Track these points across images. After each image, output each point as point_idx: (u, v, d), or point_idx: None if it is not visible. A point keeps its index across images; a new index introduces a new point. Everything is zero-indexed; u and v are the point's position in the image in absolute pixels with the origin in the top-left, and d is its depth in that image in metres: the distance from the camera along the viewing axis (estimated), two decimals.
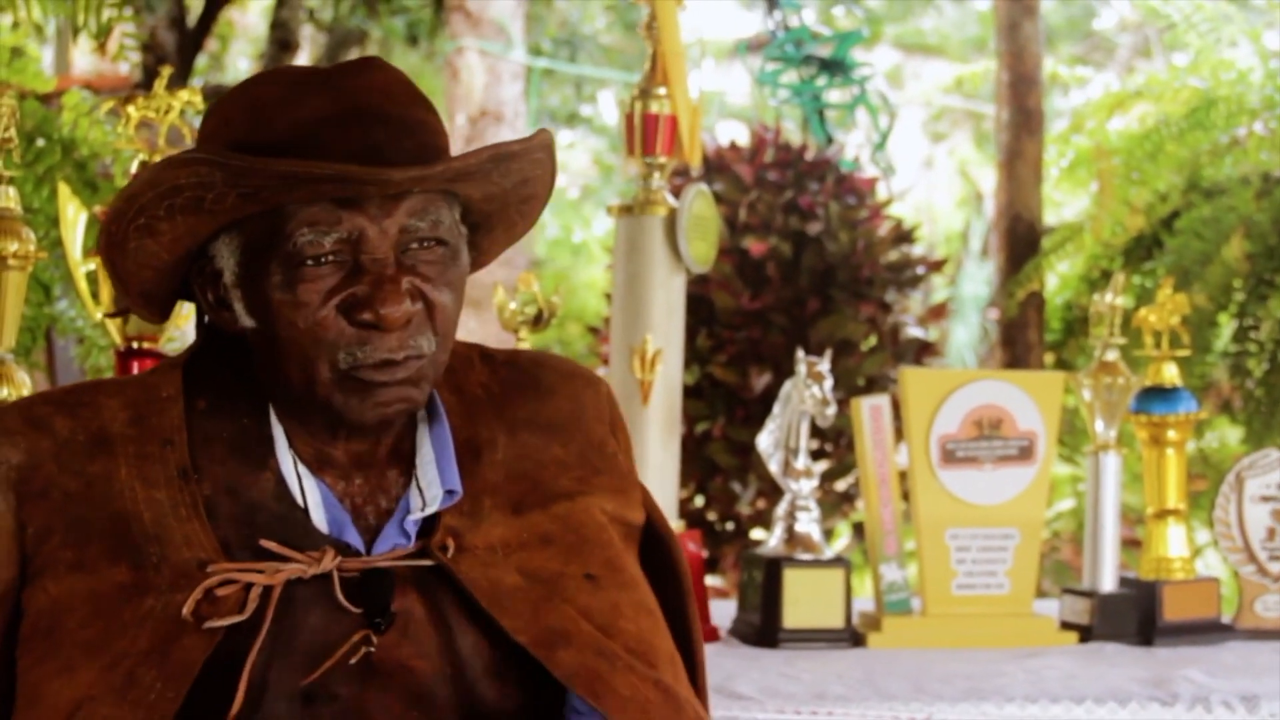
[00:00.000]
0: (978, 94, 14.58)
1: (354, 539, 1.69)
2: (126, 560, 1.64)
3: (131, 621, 1.62)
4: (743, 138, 6.42)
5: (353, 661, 1.63)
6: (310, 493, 1.69)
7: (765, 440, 3.49)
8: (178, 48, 11.79)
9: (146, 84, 9.05)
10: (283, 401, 1.71)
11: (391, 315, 1.62)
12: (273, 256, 1.63)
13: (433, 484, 1.72)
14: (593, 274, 12.85)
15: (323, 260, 1.62)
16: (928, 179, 16.64)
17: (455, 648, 1.67)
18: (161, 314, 1.79)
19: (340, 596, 1.65)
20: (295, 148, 1.60)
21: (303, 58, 13.29)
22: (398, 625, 1.65)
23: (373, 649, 1.64)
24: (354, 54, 13.20)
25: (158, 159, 3.12)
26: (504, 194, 1.74)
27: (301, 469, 1.70)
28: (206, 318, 1.77)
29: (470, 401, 1.79)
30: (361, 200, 1.62)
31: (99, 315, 3.18)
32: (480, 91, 8.67)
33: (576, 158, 17.75)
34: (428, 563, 1.68)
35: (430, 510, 1.70)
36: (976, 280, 11.84)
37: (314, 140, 1.61)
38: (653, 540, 1.89)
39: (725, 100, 15.65)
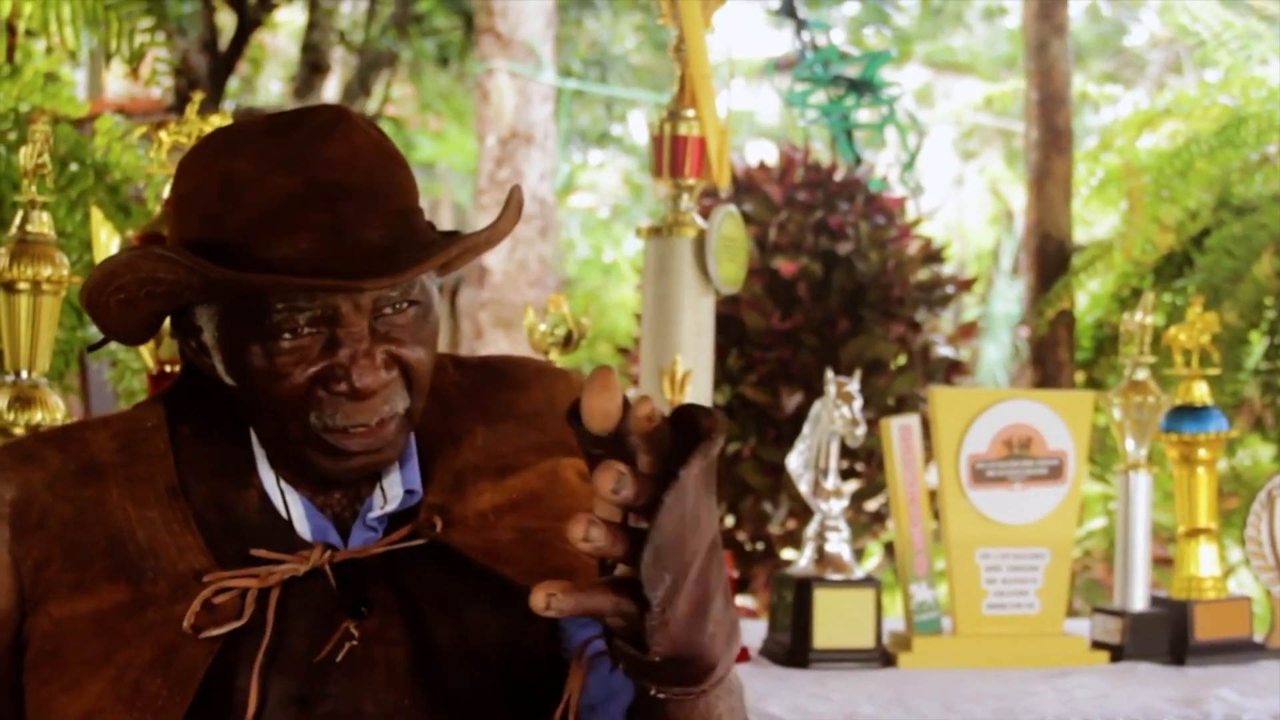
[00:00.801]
0: (1008, 112, 14.58)
1: (337, 541, 1.73)
2: (125, 578, 1.69)
3: (134, 634, 1.66)
4: (772, 157, 6.44)
5: (339, 659, 1.67)
6: (293, 505, 1.73)
7: (795, 461, 3.50)
8: (209, 71, 11.87)
9: (179, 107, 9.11)
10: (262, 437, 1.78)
11: (368, 387, 1.66)
12: (250, 329, 1.67)
13: (394, 484, 1.76)
14: (623, 293, 12.87)
15: (299, 333, 1.66)
16: (958, 196, 16.64)
17: (430, 635, 1.70)
18: (141, 340, 1.82)
19: (334, 582, 1.69)
20: (265, 226, 1.64)
21: (334, 80, 13.35)
22: (379, 619, 1.69)
23: (355, 642, 1.67)
24: (384, 77, 13.27)
25: None
26: (474, 249, 1.79)
27: (284, 485, 1.74)
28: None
29: (445, 402, 1.83)
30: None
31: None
32: (511, 113, 8.70)
33: (607, 177, 17.79)
34: (419, 542, 1.72)
35: (390, 508, 1.74)
36: (1008, 298, 11.82)
37: (282, 220, 1.64)
38: None
39: (755, 119, 15.68)
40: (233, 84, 13.02)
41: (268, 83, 15.76)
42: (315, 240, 1.64)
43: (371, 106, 12.85)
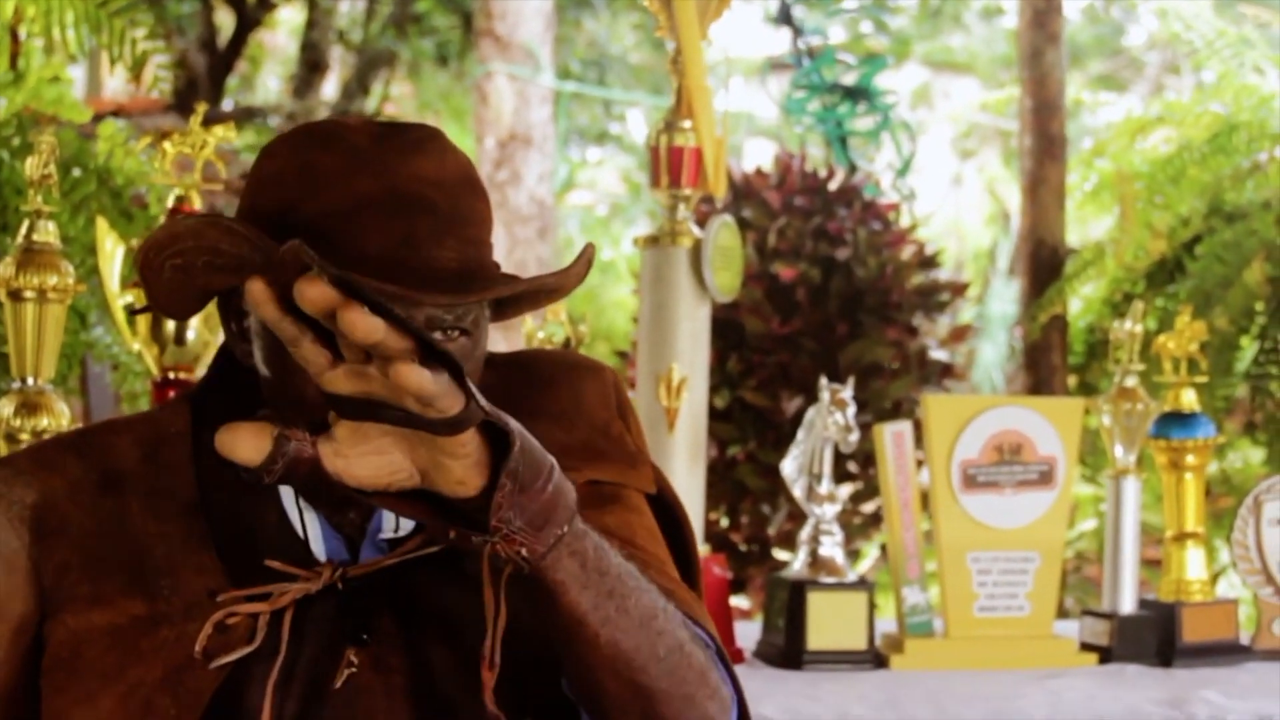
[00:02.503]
0: (1006, 112, 14.60)
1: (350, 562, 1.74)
2: (141, 594, 1.69)
3: (148, 651, 1.67)
4: (770, 157, 6.47)
5: (338, 686, 1.67)
6: (310, 525, 1.73)
7: (790, 466, 3.54)
8: (208, 69, 11.89)
9: (178, 106, 9.14)
10: None
11: None
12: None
13: None
14: (621, 293, 12.89)
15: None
16: (956, 196, 16.66)
17: (430, 659, 1.70)
18: (186, 315, 1.82)
19: (342, 598, 1.70)
20: (339, 221, 1.64)
21: (332, 79, 13.37)
22: (380, 646, 1.70)
23: (354, 669, 1.68)
24: (383, 76, 13.29)
25: (195, 192, 3.19)
26: (534, 294, 1.79)
27: (302, 503, 1.74)
28: (223, 344, 1.82)
29: None
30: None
31: (135, 343, 3.25)
32: (509, 115, 8.74)
33: (605, 176, 17.78)
34: (433, 549, 1.71)
35: (403, 532, 1.74)
36: (1004, 299, 11.84)
37: (357, 220, 1.64)
38: (664, 517, 1.93)
39: (754, 118, 15.69)
40: (231, 82, 13.03)
41: (266, 81, 15.77)
42: (386, 247, 1.63)
43: (370, 105, 12.88)
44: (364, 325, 1.35)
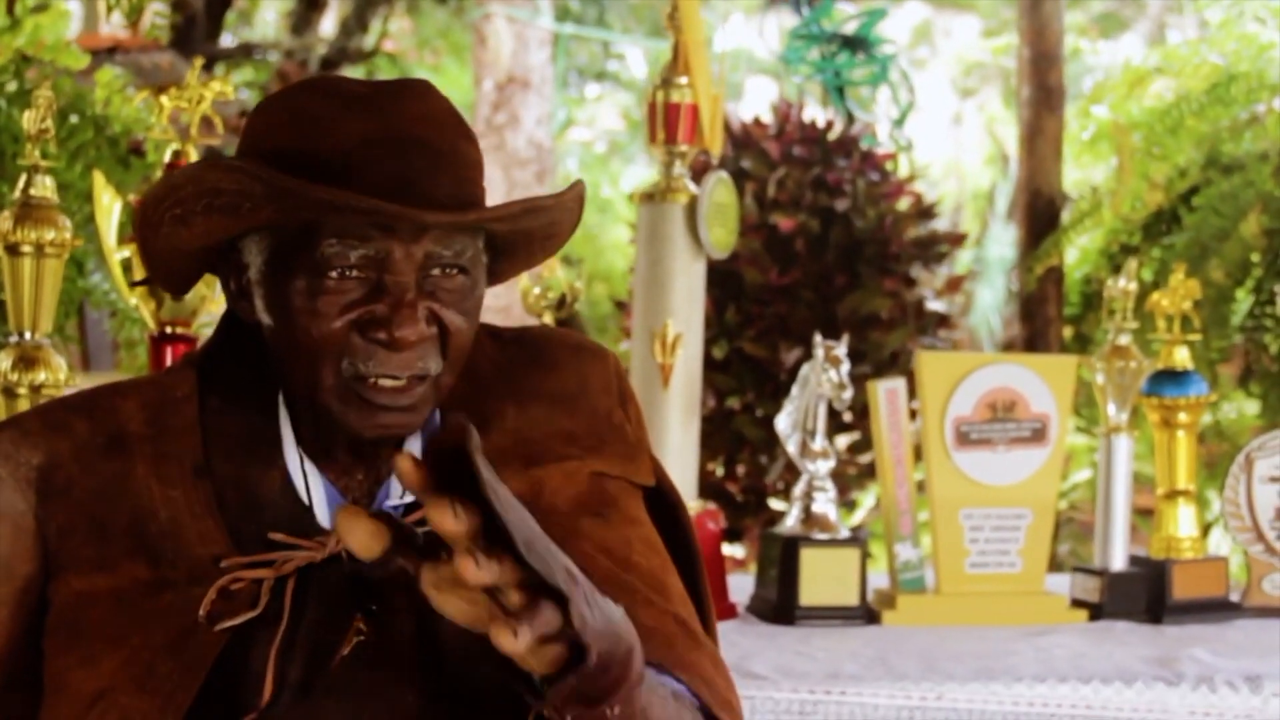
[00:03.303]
0: (1008, 51, 14.55)
1: None
2: (145, 557, 1.70)
3: (151, 615, 1.68)
4: (769, 96, 6.46)
5: (346, 652, 1.68)
6: (315, 490, 1.75)
7: (783, 422, 3.56)
8: (206, 4, 11.83)
9: (177, 44, 9.10)
10: (291, 397, 1.77)
11: (406, 338, 1.66)
12: (298, 263, 1.67)
13: None
14: (619, 235, 12.88)
15: (347, 274, 1.66)
16: (956, 135, 16.62)
17: (439, 630, 1.67)
18: (181, 290, 1.85)
19: (347, 565, 1.69)
20: (335, 165, 1.65)
21: (331, 14, 13.31)
22: (389, 614, 1.70)
23: (363, 636, 1.69)
24: (382, 11, 13.23)
25: (191, 147, 3.19)
26: (530, 232, 1.78)
27: (307, 465, 1.75)
28: (226, 306, 1.82)
29: (478, 379, 1.83)
30: (393, 224, 1.66)
31: (132, 297, 3.25)
32: (508, 58, 8.72)
33: (604, 112, 17.73)
34: (429, 528, 1.74)
35: (409, 498, 1.74)
36: (1002, 242, 11.85)
37: (354, 161, 1.65)
38: (662, 507, 1.93)
39: (753, 56, 15.64)
40: (229, 17, 12.96)
41: (265, 16, 15.69)
42: (384, 184, 1.64)
43: (369, 42, 12.82)
44: (479, 575, 1.33)
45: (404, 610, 1.71)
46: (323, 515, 1.74)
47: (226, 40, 12.42)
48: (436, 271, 1.69)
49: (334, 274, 1.67)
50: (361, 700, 1.68)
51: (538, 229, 1.79)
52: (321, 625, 1.70)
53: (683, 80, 3.50)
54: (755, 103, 12.62)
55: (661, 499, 1.94)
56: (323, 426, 1.75)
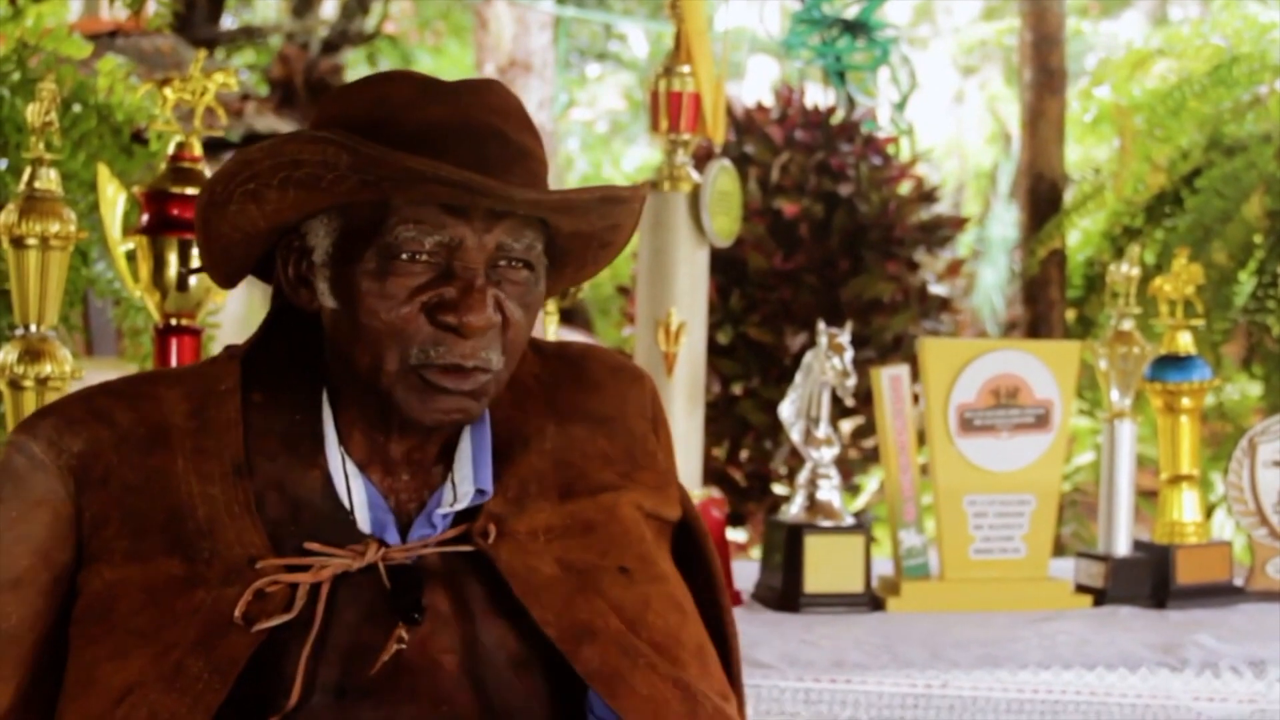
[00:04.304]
0: (1010, 31, 14.53)
1: (394, 539, 1.74)
2: (180, 554, 1.70)
3: (183, 612, 1.67)
4: (771, 75, 6.45)
5: (385, 659, 1.68)
6: (356, 492, 1.74)
7: (787, 409, 3.57)
8: None
9: (179, 27, 9.07)
10: (344, 389, 1.77)
11: (474, 323, 1.67)
12: (370, 244, 1.68)
13: (466, 480, 1.76)
14: None
15: (418, 258, 1.67)
16: (958, 114, 16.60)
17: (480, 642, 1.71)
18: (231, 281, 1.84)
19: (387, 582, 1.70)
20: (416, 148, 1.65)
21: (330, 2, 13.29)
22: (430, 625, 1.70)
23: (404, 645, 1.69)
24: None
25: (195, 139, 3.18)
26: (590, 234, 1.79)
27: (350, 467, 1.75)
28: (278, 297, 1.82)
29: (521, 391, 1.84)
30: (468, 210, 1.67)
31: (137, 289, 3.25)
32: (509, 42, 8.71)
33: (605, 92, 17.70)
34: (467, 548, 1.73)
35: (460, 506, 1.75)
36: (1005, 222, 11.83)
37: (434, 145, 1.66)
38: (687, 534, 1.95)
39: (756, 35, 15.59)
40: (230, 0, 12.93)
41: None
42: (463, 168, 1.65)
43: (369, 24, 12.80)
44: None
45: (447, 621, 1.72)
46: (363, 519, 1.74)
47: (227, 22, 12.40)
48: (504, 263, 1.71)
49: (405, 257, 1.68)
50: (397, 707, 1.68)
51: (598, 231, 1.79)
52: (357, 629, 1.70)
53: (685, 69, 3.50)
54: (757, 82, 12.61)
55: (685, 526, 1.95)
56: (375, 418, 1.75)
